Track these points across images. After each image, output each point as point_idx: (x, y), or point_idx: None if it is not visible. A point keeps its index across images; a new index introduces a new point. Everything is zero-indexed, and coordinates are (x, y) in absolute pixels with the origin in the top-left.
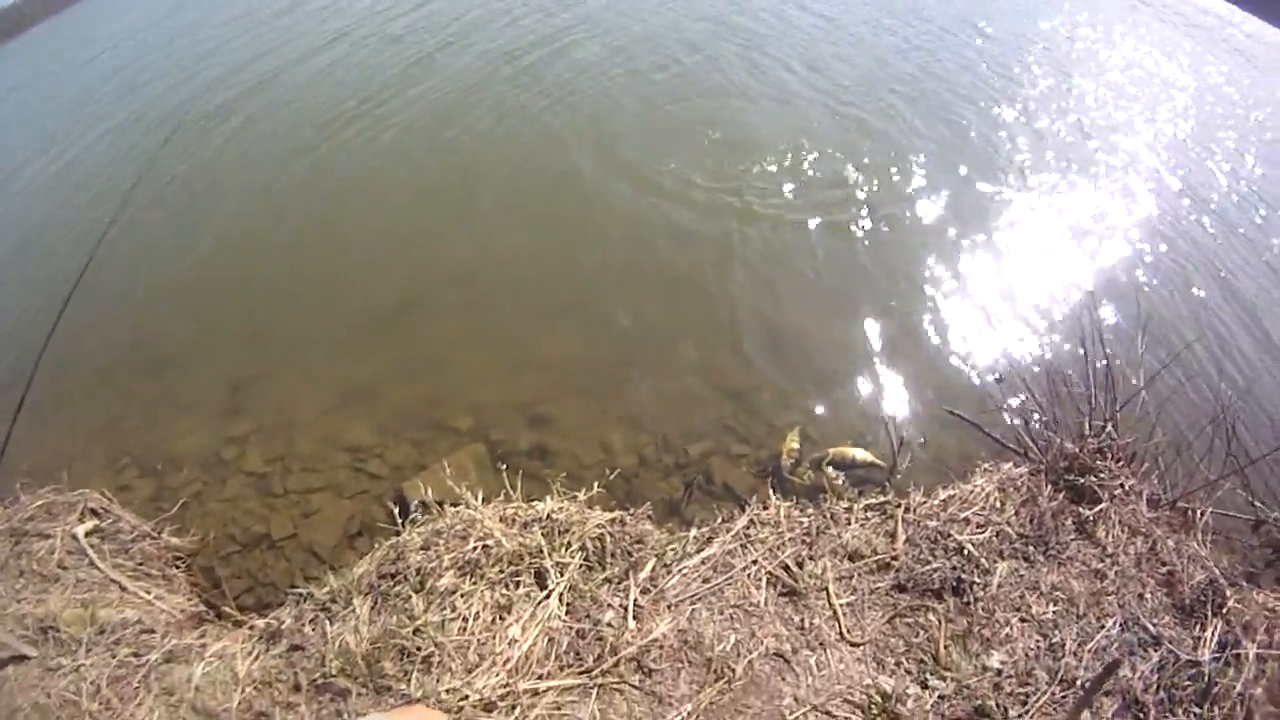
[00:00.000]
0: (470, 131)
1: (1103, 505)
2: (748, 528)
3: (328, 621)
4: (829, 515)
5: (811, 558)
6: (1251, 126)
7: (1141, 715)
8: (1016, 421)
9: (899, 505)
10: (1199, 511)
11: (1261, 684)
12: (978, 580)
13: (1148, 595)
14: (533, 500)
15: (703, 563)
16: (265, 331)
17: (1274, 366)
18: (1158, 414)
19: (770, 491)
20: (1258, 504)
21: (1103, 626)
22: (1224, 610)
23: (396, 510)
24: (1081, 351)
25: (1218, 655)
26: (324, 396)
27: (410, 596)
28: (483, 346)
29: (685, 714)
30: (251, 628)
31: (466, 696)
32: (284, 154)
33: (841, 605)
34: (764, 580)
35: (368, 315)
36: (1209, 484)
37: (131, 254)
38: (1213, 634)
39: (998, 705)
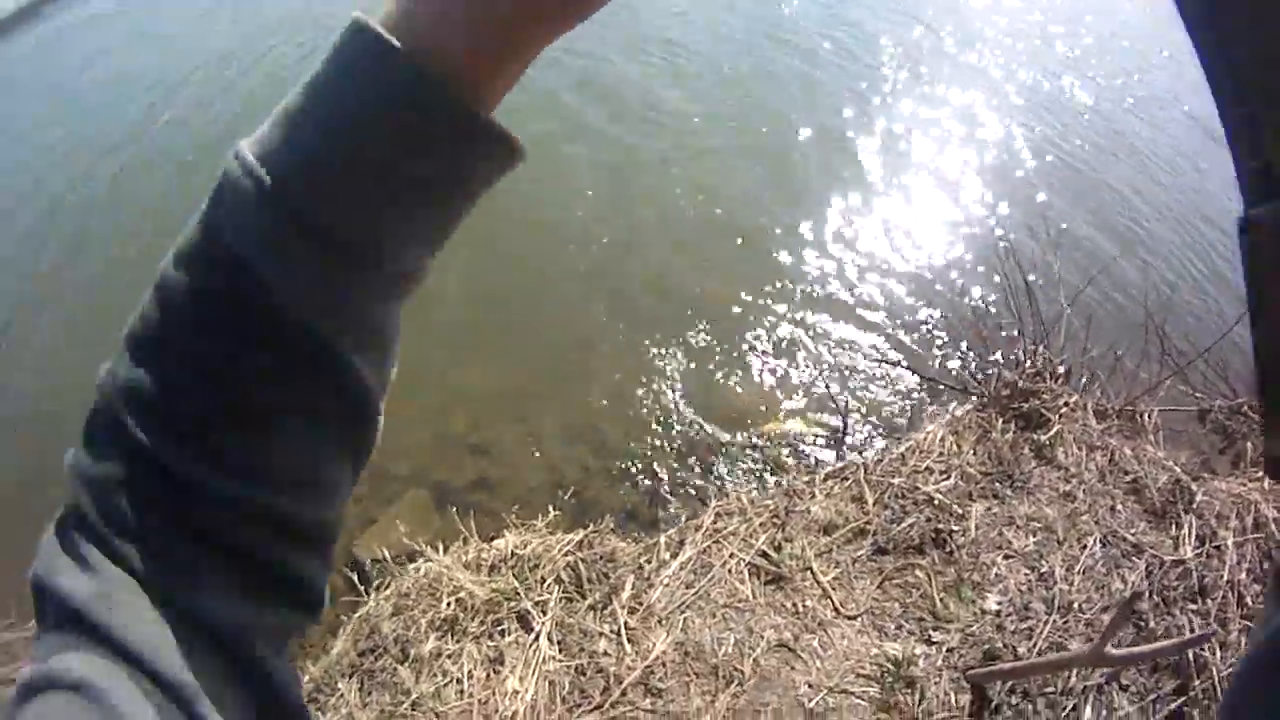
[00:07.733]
0: None
1: (1055, 427)
2: (715, 522)
3: (319, 715)
4: (792, 493)
5: (787, 539)
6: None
7: (1141, 622)
8: (953, 362)
9: (859, 468)
10: (1146, 414)
11: (1244, 568)
12: (955, 527)
13: (1119, 507)
14: (491, 538)
15: (681, 568)
16: None
17: (1191, 263)
18: (1086, 330)
19: (724, 481)
20: (1199, 396)
21: (1085, 546)
22: (1194, 505)
23: (355, 576)
24: (999, 278)
25: (1199, 550)
26: None
27: (396, 669)
28: (403, 387)
29: None
30: None
31: None
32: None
33: (829, 581)
34: (746, 572)
35: None
36: (1150, 387)
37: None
38: (1189, 531)
39: (1005, 645)
